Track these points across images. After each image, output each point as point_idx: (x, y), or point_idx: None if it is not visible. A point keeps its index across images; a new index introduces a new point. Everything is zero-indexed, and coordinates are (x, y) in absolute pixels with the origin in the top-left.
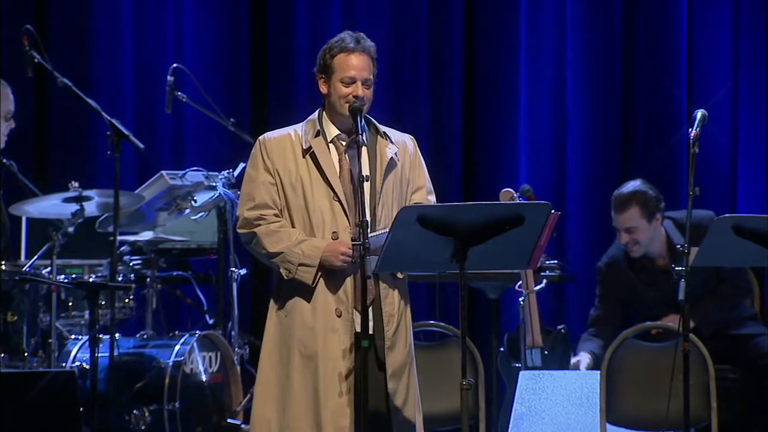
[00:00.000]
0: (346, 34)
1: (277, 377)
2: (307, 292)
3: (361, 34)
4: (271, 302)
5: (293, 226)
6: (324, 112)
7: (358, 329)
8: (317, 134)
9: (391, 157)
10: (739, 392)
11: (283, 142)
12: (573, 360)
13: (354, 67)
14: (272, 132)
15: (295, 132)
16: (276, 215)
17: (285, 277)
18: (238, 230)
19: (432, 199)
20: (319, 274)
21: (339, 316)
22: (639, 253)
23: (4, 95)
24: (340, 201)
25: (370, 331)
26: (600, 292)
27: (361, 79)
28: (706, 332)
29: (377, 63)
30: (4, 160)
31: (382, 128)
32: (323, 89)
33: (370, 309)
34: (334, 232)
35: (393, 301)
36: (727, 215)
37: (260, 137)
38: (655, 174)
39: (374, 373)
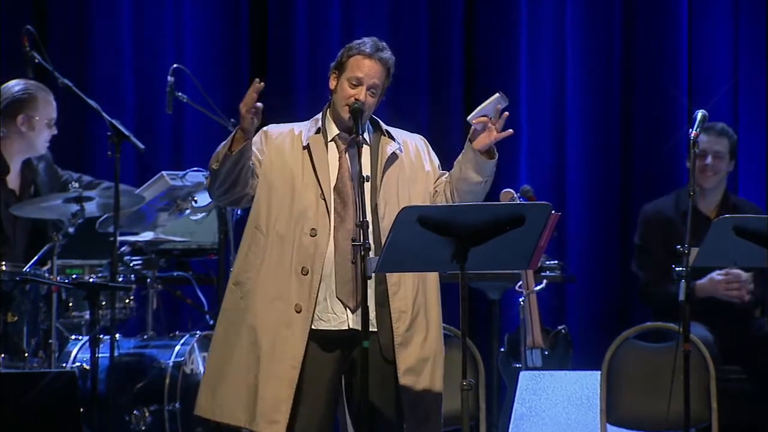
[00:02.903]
0: (370, 39)
1: (223, 357)
2: (270, 277)
3: (384, 44)
4: (230, 279)
5: (271, 207)
6: (328, 110)
7: (345, 327)
8: (318, 132)
9: (393, 152)
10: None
11: (283, 135)
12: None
13: (364, 71)
14: (277, 125)
15: (299, 128)
16: None
17: (222, 176)
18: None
19: None
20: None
21: (298, 312)
22: (712, 184)
23: (47, 101)
24: (325, 199)
25: (370, 329)
26: (641, 244)
27: (367, 84)
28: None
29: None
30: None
31: (386, 127)
32: (331, 84)
33: (373, 306)
34: (312, 229)
35: (405, 296)
36: (727, 216)
37: (264, 127)
38: (655, 174)
39: (380, 372)
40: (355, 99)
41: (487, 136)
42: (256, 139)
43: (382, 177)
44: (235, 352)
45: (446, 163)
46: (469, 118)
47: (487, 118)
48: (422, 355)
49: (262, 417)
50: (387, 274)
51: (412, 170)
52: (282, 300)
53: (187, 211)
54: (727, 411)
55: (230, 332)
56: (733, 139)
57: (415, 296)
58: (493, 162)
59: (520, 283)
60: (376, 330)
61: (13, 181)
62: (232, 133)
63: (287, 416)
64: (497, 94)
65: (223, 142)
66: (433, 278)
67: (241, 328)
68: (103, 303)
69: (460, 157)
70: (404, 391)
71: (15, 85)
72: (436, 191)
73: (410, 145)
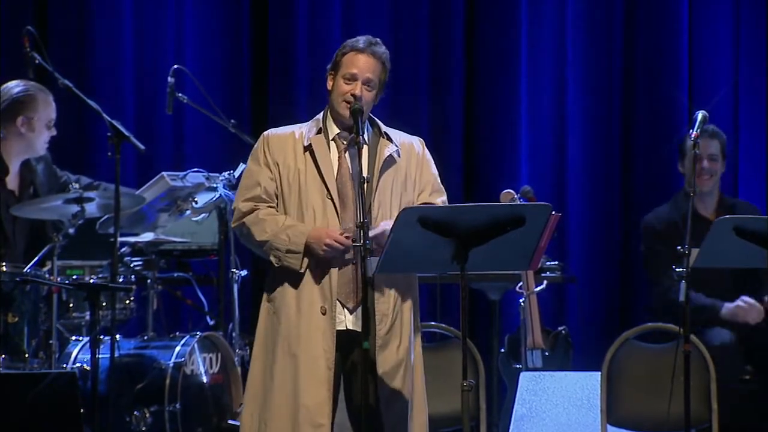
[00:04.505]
0: (363, 36)
1: (263, 374)
2: (293, 288)
3: (378, 39)
4: (263, 297)
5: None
6: (328, 111)
7: (343, 327)
8: (319, 131)
9: (390, 155)
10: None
11: (285, 139)
12: (733, 308)
13: (358, 65)
14: (277, 128)
15: (300, 129)
16: (269, 207)
17: (275, 265)
18: (232, 224)
19: (439, 198)
20: (307, 261)
21: (324, 314)
22: (709, 187)
23: (47, 102)
24: (332, 199)
25: (369, 331)
26: (649, 253)
27: (362, 79)
28: None
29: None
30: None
31: (385, 129)
32: (329, 85)
33: (363, 308)
34: None
35: (388, 300)
36: (728, 216)
37: (264, 132)
38: (656, 175)
39: (365, 373)
40: (352, 94)
41: None
42: (259, 147)
43: (379, 179)
44: (276, 368)
45: (446, 163)
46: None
47: None
48: (397, 359)
49: (305, 423)
50: (375, 277)
51: (407, 174)
52: (308, 304)
53: (188, 212)
54: (738, 411)
55: (269, 350)
56: (723, 139)
57: (395, 301)
58: None
59: (521, 283)
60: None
61: (12, 181)
62: (303, 249)
63: (330, 418)
64: None
65: (286, 236)
66: (413, 285)
67: (277, 343)
68: (104, 304)
69: None
70: (381, 393)
71: (14, 86)
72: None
73: (407, 150)
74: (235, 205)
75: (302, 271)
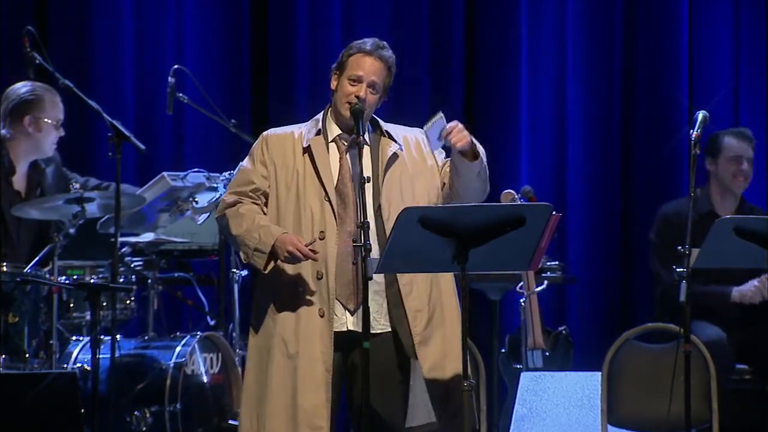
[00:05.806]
0: (371, 39)
1: (260, 376)
2: (289, 290)
3: (385, 43)
4: (255, 299)
5: (279, 217)
6: (329, 111)
7: (344, 329)
8: (318, 133)
9: (394, 153)
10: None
11: (285, 139)
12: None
13: (364, 68)
14: (277, 128)
15: (300, 130)
16: (253, 203)
17: (243, 261)
18: (216, 214)
19: None
20: (272, 263)
21: (321, 317)
22: (743, 189)
23: (54, 103)
24: (330, 201)
25: (370, 331)
26: (660, 243)
27: (367, 81)
28: None
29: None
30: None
31: (386, 127)
32: (332, 85)
33: (385, 307)
34: (321, 232)
35: (419, 296)
36: (728, 216)
37: (264, 132)
38: (656, 175)
39: (397, 375)
40: (356, 96)
41: (461, 138)
42: (257, 146)
43: (384, 178)
44: (272, 370)
45: None
46: (432, 148)
47: (449, 129)
48: (444, 350)
49: (305, 424)
50: (398, 275)
51: (415, 166)
52: (305, 307)
53: (188, 212)
54: (739, 411)
55: (264, 351)
56: (754, 143)
57: (429, 294)
58: (475, 164)
59: (521, 284)
60: (391, 330)
61: (19, 182)
62: (269, 251)
63: (329, 420)
64: (435, 118)
65: (258, 235)
66: (446, 275)
67: (273, 344)
68: (104, 304)
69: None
70: (432, 388)
71: (22, 87)
72: (444, 183)
73: (410, 141)
74: (223, 197)
75: (266, 272)
